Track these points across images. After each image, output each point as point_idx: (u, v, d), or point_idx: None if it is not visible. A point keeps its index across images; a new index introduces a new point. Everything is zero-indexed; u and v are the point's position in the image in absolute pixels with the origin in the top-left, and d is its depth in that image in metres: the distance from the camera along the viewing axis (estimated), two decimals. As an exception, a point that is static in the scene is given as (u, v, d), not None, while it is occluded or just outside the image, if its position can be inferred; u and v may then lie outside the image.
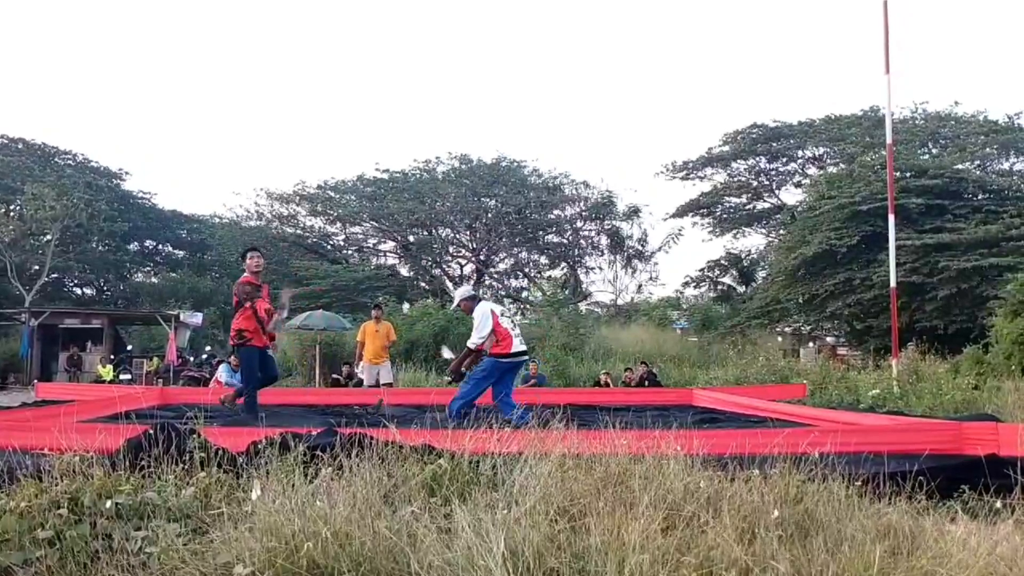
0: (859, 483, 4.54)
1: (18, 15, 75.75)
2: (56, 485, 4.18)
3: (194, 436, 5.29)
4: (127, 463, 4.79)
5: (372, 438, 5.27)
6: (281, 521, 3.43)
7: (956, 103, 37.57)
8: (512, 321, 9.97)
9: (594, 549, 3.24)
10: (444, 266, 43.44)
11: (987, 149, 33.85)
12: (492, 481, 4.46)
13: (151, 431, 5.32)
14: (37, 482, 4.25)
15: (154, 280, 45.21)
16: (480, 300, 10.06)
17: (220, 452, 5.10)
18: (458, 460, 4.63)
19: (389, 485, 4.26)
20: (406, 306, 28.69)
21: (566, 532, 3.47)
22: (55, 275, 38.29)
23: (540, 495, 3.90)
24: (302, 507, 3.58)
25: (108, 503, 4.02)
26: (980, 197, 27.71)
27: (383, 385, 13.48)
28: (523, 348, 9.80)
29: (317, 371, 21.01)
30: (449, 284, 41.83)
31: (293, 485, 3.95)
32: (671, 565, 3.16)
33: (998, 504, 4.49)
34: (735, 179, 41.66)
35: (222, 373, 17.30)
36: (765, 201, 42.19)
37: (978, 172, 31.67)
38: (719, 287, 44.03)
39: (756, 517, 3.73)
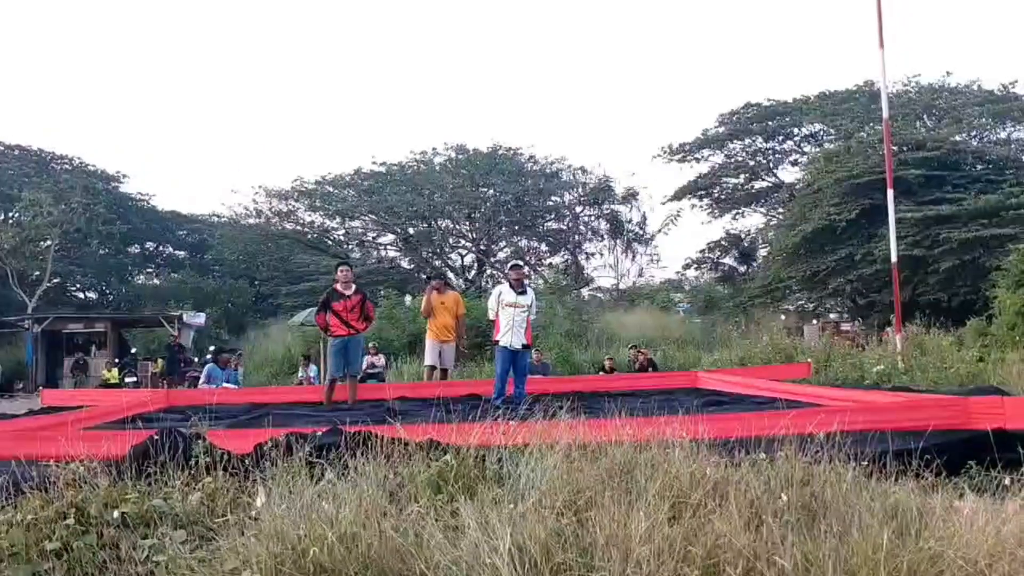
0: (866, 463, 4.52)
1: (10, 19, 75.61)
2: (62, 496, 4.18)
3: (199, 440, 5.28)
4: (133, 470, 4.79)
5: (377, 436, 5.26)
6: (287, 526, 3.43)
7: (948, 73, 37.49)
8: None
9: (600, 543, 3.23)
10: (445, 257, 43.39)
11: (983, 119, 33.76)
12: (498, 475, 4.46)
13: (156, 437, 5.32)
14: (43, 494, 4.25)
15: (156, 282, 45.21)
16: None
17: (225, 455, 5.09)
18: (464, 455, 4.62)
19: (394, 483, 4.26)
20: (408, 298, 28.65)
21: (572, 526, 3.47)
22: (57, 280, 38.29)
23: (546, 489, 3.90)
24: (307, 511, 3.57)
25: (115, 513, 4.03)
26: (979, 167, 27.69)
27: (442, 371, 12.51)
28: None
29: (322, 367, 21.01)
30: (451, 275, 41.79)
31: (299, 488, 3.95)
32: (678, 555, 3.16)
33: (1006, 480, 4.47)
34: (732, 159, 41.52)
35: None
36: (763, 180, 42.08)
37: (975, 143, 31.61)
38: (720, 268, 43.98)
39: (763, 503, 3.73)
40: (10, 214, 36.24)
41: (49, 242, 33.80)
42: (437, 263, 41.14)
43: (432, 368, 12.67)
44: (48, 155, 43.25)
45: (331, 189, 42.98)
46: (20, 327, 29.83)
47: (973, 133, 33.31)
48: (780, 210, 39.40)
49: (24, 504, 4.16)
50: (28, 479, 4.53)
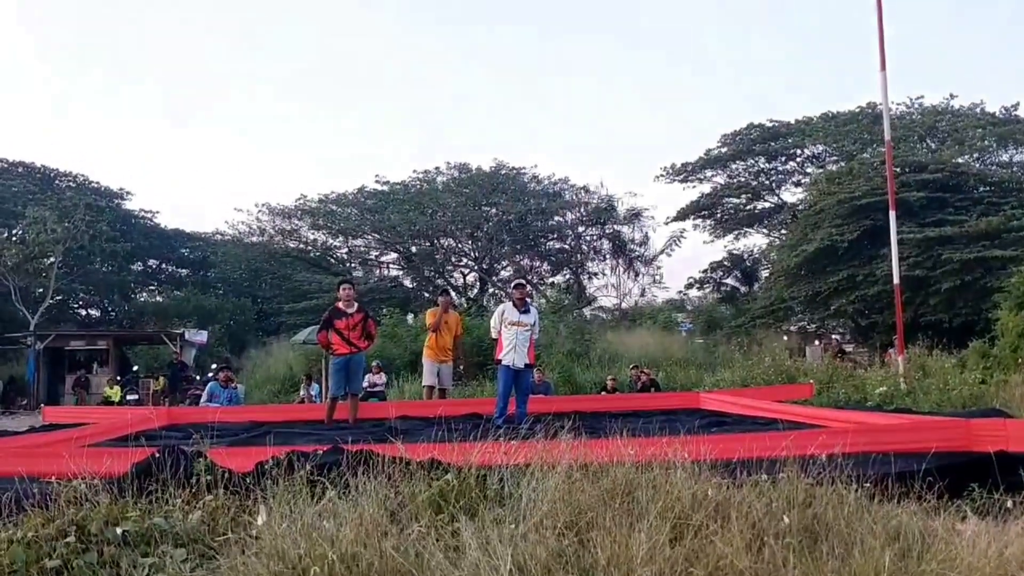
0: (868, 484, 4.51)
1: (16, 35, 76.06)
2: (63, 514, 4.18)
3: (201, 458, 5.28)
4: (134, 488, 4.78)
5: (378, 455, 5.25)
6: (287, 545, 3.42)
7: (952, 96, 37.45)
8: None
9: (601, 564, 3.22)
10: (447, 276, 43.44)
11: (985, 142, 33.85)
12: (499, 495, 4.45)
13: (157, 455, 5.31)
14: (44, 511, 4.25)
15: (159, 299, 45.27)
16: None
17: (226, 474, 5.09)
18: (465, 475, 4.61)
19: (395, 503, 4.25)
20: (410, 317, 28.67)
21: (574, 546, 3.46)
22: (59, 297, 38.26)
23: (547, 509, 3.89)
24: (308, 529, 3.57)
25: (116, 530, 4.02)
26: (981, 190, 27.72)
27: (441, 390, 12.57)
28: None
29: (323, 385, 21.01)
30: (453, 294, 41.77)
31: (299, 507, 3.94)
32: (680, 577, 3.15)
33: (1008, 503, 4.46)
34: (735, 180, 41.60)
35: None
36: (765, 201, 42.15)
37: (978, 165, 31.71)
38: (723, 288, 44.02)
39: (765, 524, 3.72)
40: (14, 231, 36.32)
41: (52, 259, 33.84)
42: (439, 282, 41.20)
43: (431, 388, 12.67)
44: (52, 172, 43.52)
45: (334, 208, 43.11)
46: (22, 344, 29.86)
47: (975, 155, 33.40)
48: (782, 231, 39.45)
49: (25, 521, 4.15)
50: (29, 496, 4.52)
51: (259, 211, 42.73)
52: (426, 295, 41.77)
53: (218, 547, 3.86)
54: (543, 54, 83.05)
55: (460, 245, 43.28)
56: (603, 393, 17.63)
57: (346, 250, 45.07)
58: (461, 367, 13.80)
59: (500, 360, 10.35)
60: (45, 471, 5.45)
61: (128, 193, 45.25)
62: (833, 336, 33.91)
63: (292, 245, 43.56)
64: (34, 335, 28.32)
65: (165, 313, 38.44)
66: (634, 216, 42.35)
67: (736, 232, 43.13)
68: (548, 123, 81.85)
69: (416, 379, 19.45)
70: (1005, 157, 34.72)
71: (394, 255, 44.30)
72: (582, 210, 42.99)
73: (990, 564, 3.23)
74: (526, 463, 4.81)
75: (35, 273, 34.09)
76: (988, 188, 27.81)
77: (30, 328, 30.29)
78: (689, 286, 44.89)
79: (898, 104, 37.15)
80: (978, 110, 36.39)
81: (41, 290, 34.96)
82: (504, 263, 44.24)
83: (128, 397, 23.52)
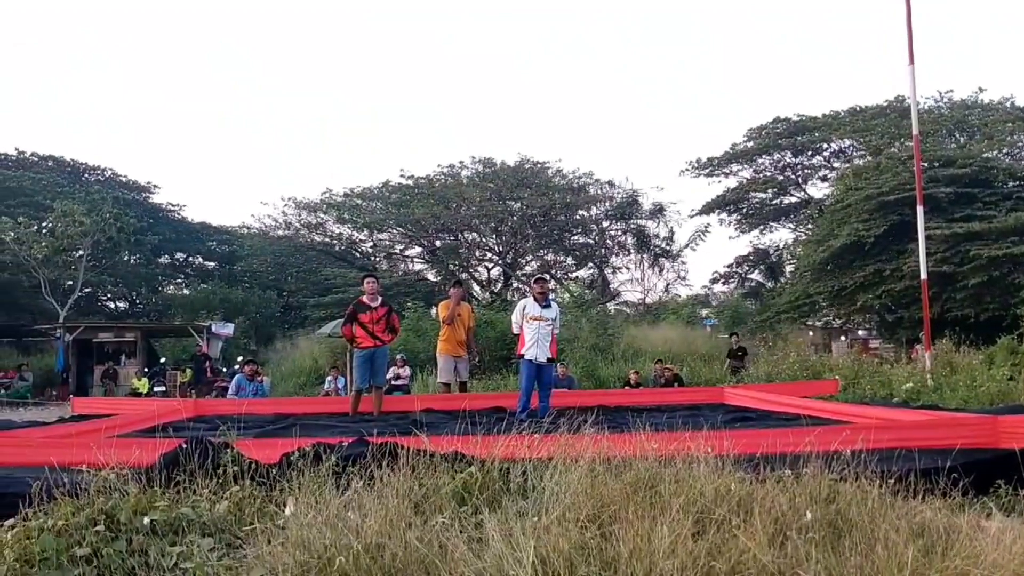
0: (892, 481, 4.50)
1: (47, 32, 76.78)
2: (93, 503, 4.24)
3: (227, 449, 5.33)
4: (162, 478, 4.84)
5: (403, 447, 5.29)
6: (313, 535, 3.46)
7: (981, 90, 37.00)
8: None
9: (624, 557, 3.24)
10: (471, 270, 43.48)
11: (1015, 136, 33.45)
12: (522, 488, 4.47)
13: (185, 445, 5.37)
14: (74, 500, 4.31)
15: (185, 292, 45.58)
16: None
17: (253, 465, 5.14)
18: (488, 468, 4.63)
19: (419, 495, 4.28)
20: (434, 310, 28.78)
21: (596, 539, 3.47)
22: (88, 290, 38.63)
23: (570, 502, 3.91)
24: (333, 520, 3.61)
25: (144, 519, 4.08)
26: (1010, 185, 27.37)
27: (461, 384, 12.46)
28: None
29: (348, 378, 21.12)
30: (477, 288, 41.83)
31: (324, 498, 3.98)
32: (702, 570, 3.16)
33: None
34: (760, 174, 41.24)
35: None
36: (791, 196, 41.81)
37: (1007, 160, 31.35)
38: (747, 283, 43.79)
39: (788, 519, 3.72)
40: (43, 224, 36.67)
41: (81, 252, 34.17)
42: (464, 276, 41.21)
43: (447, 386, 12.57)
44: (81, 166, 43.99)
45: (359, 202, 43.24)
46: (52, 335, 30.19)
47: (1005, 150, 33.03)
48: (808, 226, 39.18)
49: (56, 510, 4.21)
50: (60, 485, 4.59)
51: (285, 205, 43.05)
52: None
53: (244, 537, 3.91)
54: (568, 47, 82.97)
55: (484, 239, 43.30)
56: (626, 388, 17.62)
57: (371, 244, 45.23)
58: (476, 359, 13.71)
59: (522, 355, 10.37)
60: (75, 461, 5.52)
61: (155, 187, 45.78)
62: (859, 331, 33.69)
63: (317, 239, 43.79)
64: (63, 327, 28.62)
65: (192, 306, 38.65)
66: (659, 211, 42.23)
67: (762, 227, 42.86)
68: (573, 117, 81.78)
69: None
70: (1035, 153, 34.34)
71: (418, 249, 44.45)
72: (607, 204, 42.85)
73: (1015, 561, 3.22)
74: (549, 456, 4.82)
75: (64, 266, 34.45)
76: (1017, 183, 27.46)
77: (59, 320, 30.61)
78: (714, 281, 44.83)
79: (927, 98, 36.83)
80: (1008, 104, 35.97)
81: (70, 283, 35.33)
82: (528, 257, 44.22)
83: (155, 389, 23.73)
